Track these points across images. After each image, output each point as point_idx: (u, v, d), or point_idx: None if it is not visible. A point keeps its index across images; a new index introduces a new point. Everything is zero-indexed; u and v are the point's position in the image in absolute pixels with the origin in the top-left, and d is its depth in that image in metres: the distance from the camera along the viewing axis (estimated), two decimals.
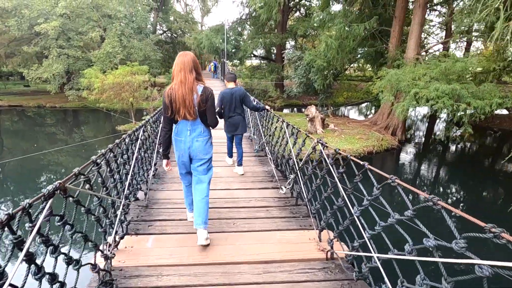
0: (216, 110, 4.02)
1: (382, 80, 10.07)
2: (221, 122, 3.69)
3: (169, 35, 32.97)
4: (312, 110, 13.29)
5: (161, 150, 2.71)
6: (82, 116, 19.90)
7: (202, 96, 2.34)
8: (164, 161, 2.63)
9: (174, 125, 2.46)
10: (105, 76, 13.70)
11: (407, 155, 12.58)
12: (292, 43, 26.74)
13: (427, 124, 18.39)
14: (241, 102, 4.04)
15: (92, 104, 15.59)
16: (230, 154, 4.77)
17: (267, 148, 4.96)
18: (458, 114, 8.80)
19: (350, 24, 12.26)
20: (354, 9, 11.91)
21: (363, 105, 25.68)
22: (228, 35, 21.19)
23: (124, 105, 14.11)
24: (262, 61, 27.56)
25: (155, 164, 4.09)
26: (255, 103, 4.41)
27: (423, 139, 15.52)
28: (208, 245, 2.44)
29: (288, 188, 3.51)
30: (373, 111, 25.37)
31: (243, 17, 24.05)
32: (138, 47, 19.97)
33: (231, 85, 4.07)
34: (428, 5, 12.78)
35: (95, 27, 19.19)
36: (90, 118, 19.19)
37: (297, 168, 3.12)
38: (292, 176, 3.31)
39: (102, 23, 19.73)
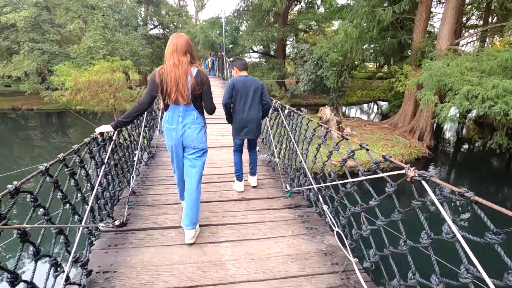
0: (224, 103, 3.06)
1: (423, 75, 8.07)
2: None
3: (161, 30, 30.58)
4: (326, 112, 11.32)
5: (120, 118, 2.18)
6: (63, 119, 17.55)
7: (196, 78, 2.10)
8: (107, 127, 2.19)
9: (164, 112, 2.20)
10: (80, 73, 11.47)
11: (444, 166, 10.65)
12: (292, 38, 24.77)
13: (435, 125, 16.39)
14: (258, 96, 3.06)
15: (68, 106, 13.35)
16: (240, 176, 3.22)
17: (325, 207, 2.43)
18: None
19: (373, 9, 10.26)
20: None
21: (365, 105, 23.76)
22: (224, 29, 19.00)
23: (104, 108, 11.93)
24: (262, 58, 25.52)
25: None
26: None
27: (454, 144, 13.63)
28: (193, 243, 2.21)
29: None
30: (375, 110, 23.39)
31: (241, 9, 21.94)
32: (124, 41, 17.61)
33: (243, 73, 3.10)
34: None
35: (74, 18, 16.87)
36: (74, 121, 16.61)
37: None
38: None
39: (83, 14, 17.42)
